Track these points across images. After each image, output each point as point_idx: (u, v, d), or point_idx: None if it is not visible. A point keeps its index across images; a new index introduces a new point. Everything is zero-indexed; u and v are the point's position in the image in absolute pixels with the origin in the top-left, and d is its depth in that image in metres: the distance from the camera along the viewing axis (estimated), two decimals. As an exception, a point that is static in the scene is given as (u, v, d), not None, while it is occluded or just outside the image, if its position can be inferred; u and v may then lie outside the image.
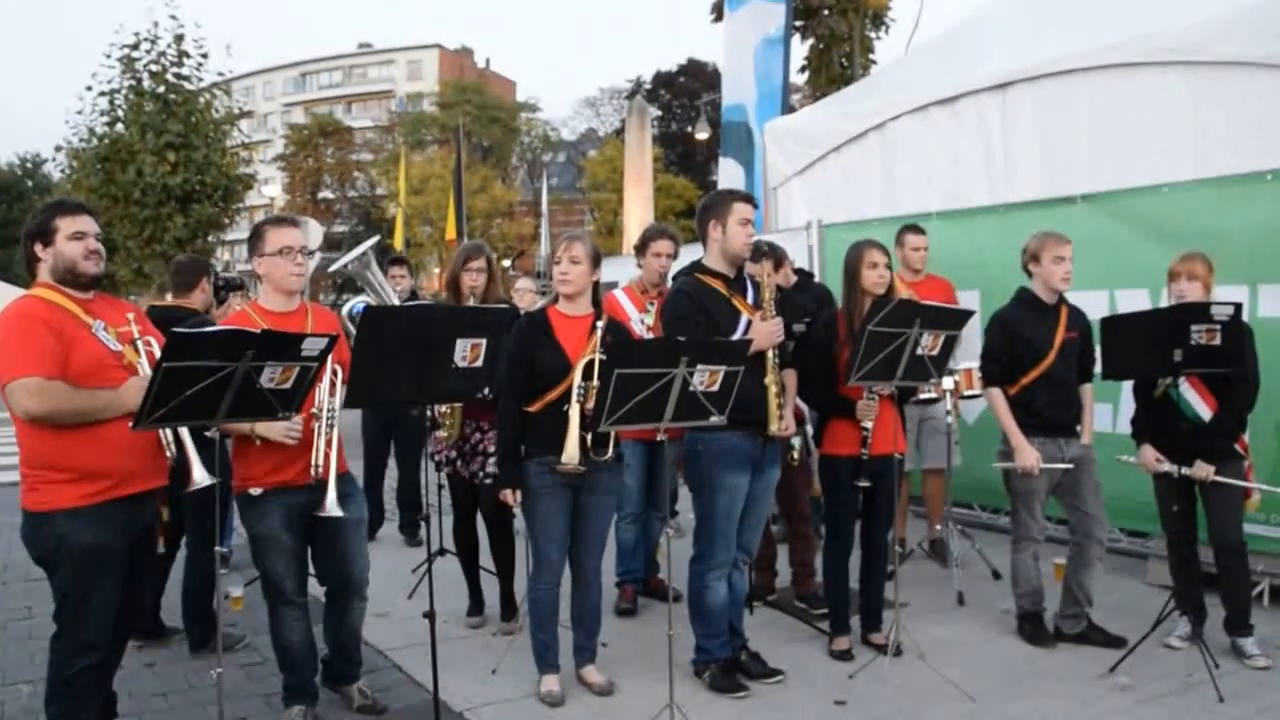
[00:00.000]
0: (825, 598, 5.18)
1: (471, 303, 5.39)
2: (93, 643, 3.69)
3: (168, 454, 3.85)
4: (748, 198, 4.69)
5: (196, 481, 3.74)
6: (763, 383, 4.55)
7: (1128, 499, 6.23)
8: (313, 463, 4.04)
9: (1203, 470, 4.86)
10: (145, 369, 3.72)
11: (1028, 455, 5.01)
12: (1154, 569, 6.15)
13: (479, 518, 5.58)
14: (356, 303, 6.18)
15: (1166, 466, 4.94)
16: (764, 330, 4.52)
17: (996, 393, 5.17)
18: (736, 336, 4.47)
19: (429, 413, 5.38)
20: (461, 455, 5.40)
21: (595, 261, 4.54)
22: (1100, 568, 5.24)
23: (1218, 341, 4.61)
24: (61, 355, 3.54)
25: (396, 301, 5.97)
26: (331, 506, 4.01)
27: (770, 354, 4.58)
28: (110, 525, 3.64)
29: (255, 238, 4.21)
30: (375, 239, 6.30)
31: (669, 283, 5.90)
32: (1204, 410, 4.94)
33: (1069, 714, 4.34)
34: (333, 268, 5.87)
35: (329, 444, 4.05)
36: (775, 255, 5.65)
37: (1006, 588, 5.56)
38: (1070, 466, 5.07)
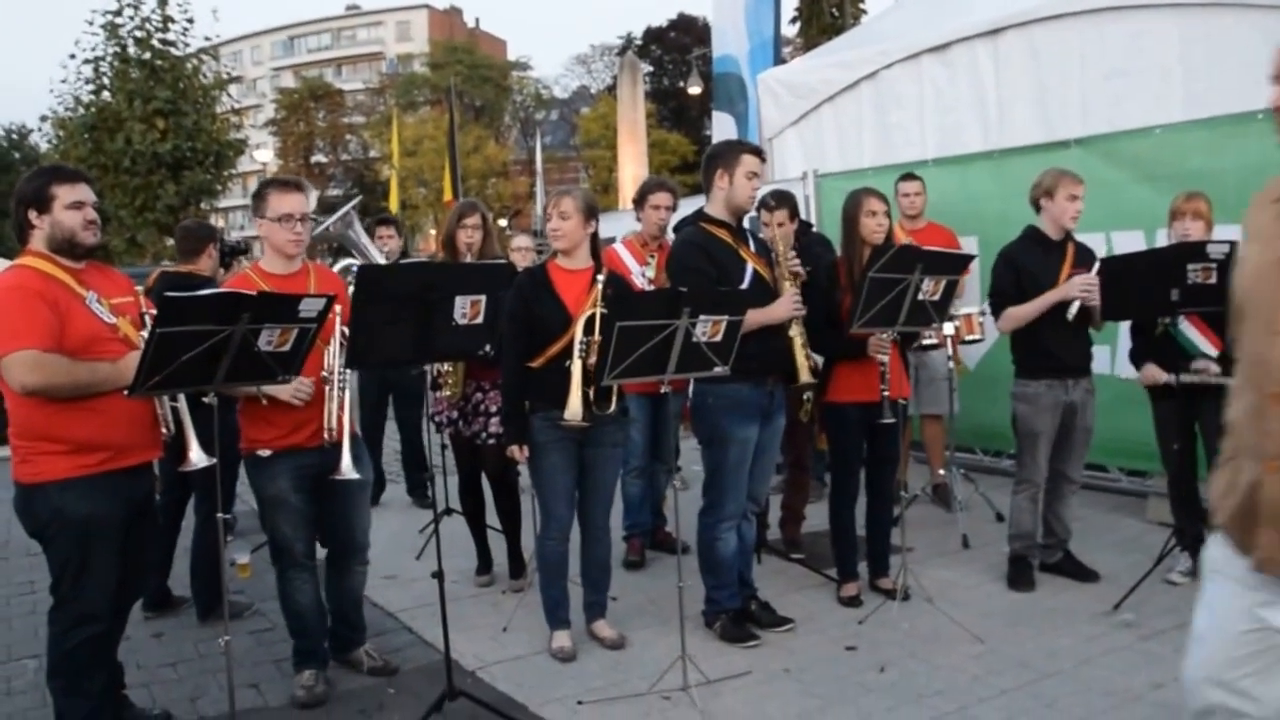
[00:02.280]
0: (832, 545, 5.21)
1: (469, 260, 5.37)
2: (92, 614, 3.65)
3: (164, 430, 3.81)
4: (756, 150, 4.65)
5: (193, 462, 3.74)
6: (780, 334, 4.56)
7: (1127, 439, 6.26)
8: (325, 425, 4.03)
9: (1203, 365, 4.85)
10: None
11: (1046, 298, 4.98)
12: (1153, 507, 6.19)
13: (483, 477, 5.60)
14: (345, 265, 6.16)
15: (1167, 377, 4.94)
16: (784, 305, 4.52)
17: (1009, 310, 5.13)
18: (743, 287, 4.46)
19: (431, 373, 5.40)
20: (463, 415, 5.39)
21: (588, 214, 4.49)
22: (1073, 500, 5.33)
23: (1214, 280, 4.60)
24: (57, 328, 3.48)
25: (382, 261, 5.95)
26: (347, 469, 4.00)
27: None
28: (106, 495, 3.59)
29: (258, 198, 4.15)
30: (357, 200, 6.29)
31: (668, 235, 5.88)
32: (1208, 348, 4.91)
33: (1076, 651, 4.38)
34: (315, 231, 5.85)
35: (341, 406, 4.04)
36: (790, 204, 5.61)
37: (1010, 530, 5.60)
38: (1087, 291, 4.95)
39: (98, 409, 3.55)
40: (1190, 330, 4.95)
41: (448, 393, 5.36)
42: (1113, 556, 5.46)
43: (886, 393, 4.81)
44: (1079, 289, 4.91)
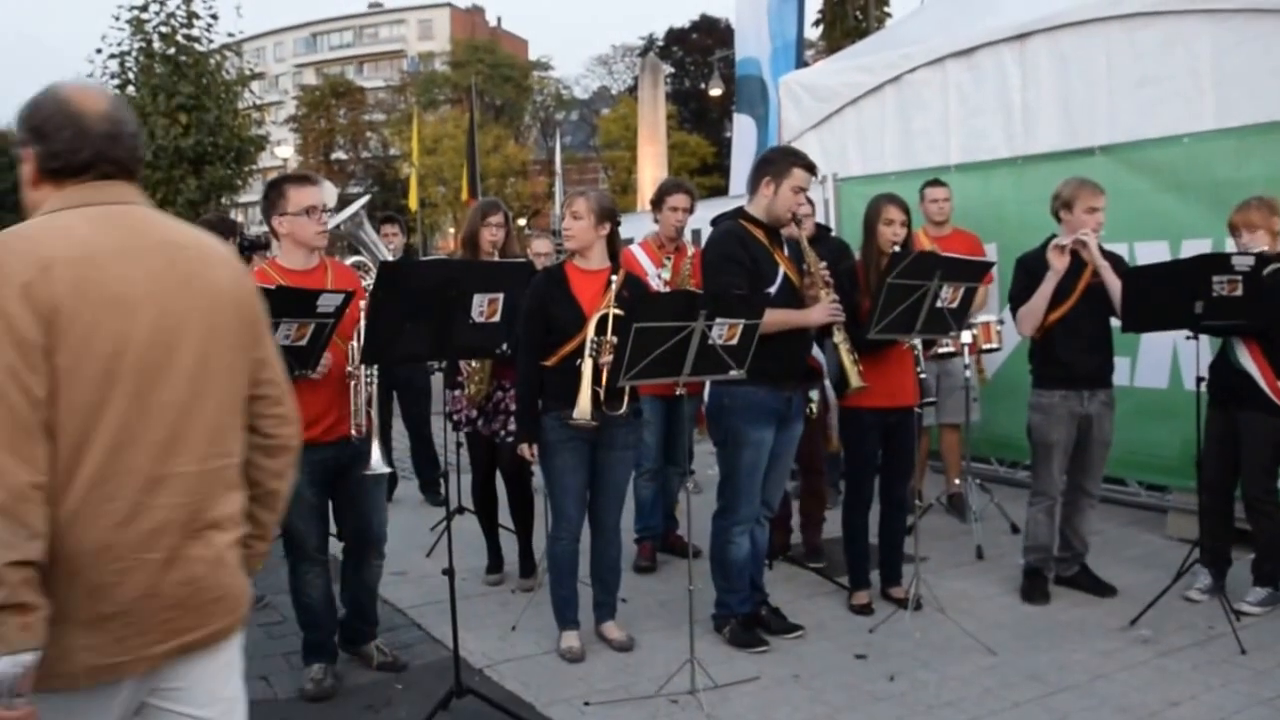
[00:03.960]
0: (845, 552, 5.18)
1: (494, 258, 5.32)
2: None
3: None
4: (809, 165, 4.60)
5: None
6: (801, 339, 4.57)
7: (1146, 452, 6.20)
8: (353, 421, 4.04)
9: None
10: None
11: (1061, 259, 4.91)
12: (1173, 522, 6.13)
13: (498, 476, 5.58)
14: (353, 263, 6.14)
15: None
16: (820, 311, 4.51)
17: (1020, 309, 5.07)
18: (773, 289, 4.45)
19: (453, 370, 5.38)
20: (483, 414, 5.37)
21: (602, 216, 4.47)
22: (1092, 514, 5.27)
23: (1239, 293, 4.54)
24: None
25: (391, 258, 5.94)
26: (377, 464, 4.03)
27: None
28: None
29: (275, 195, 4.12)
30: (366, 198, 6.27)
31: (685, 237, 5.86)
32: (1251, 366, 4.81)
33: (1089, 666, 4.34)
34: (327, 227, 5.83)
35: (368, 402, 4.05)
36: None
37: (1026, 542, 5.55)
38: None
39: None
40: (1242, 350, 4.85)
41: (472, 390, 5.33)
42: (1130, 571, 5.41)
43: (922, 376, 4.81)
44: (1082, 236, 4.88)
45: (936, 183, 6.71)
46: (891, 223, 4.88)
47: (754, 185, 4.63)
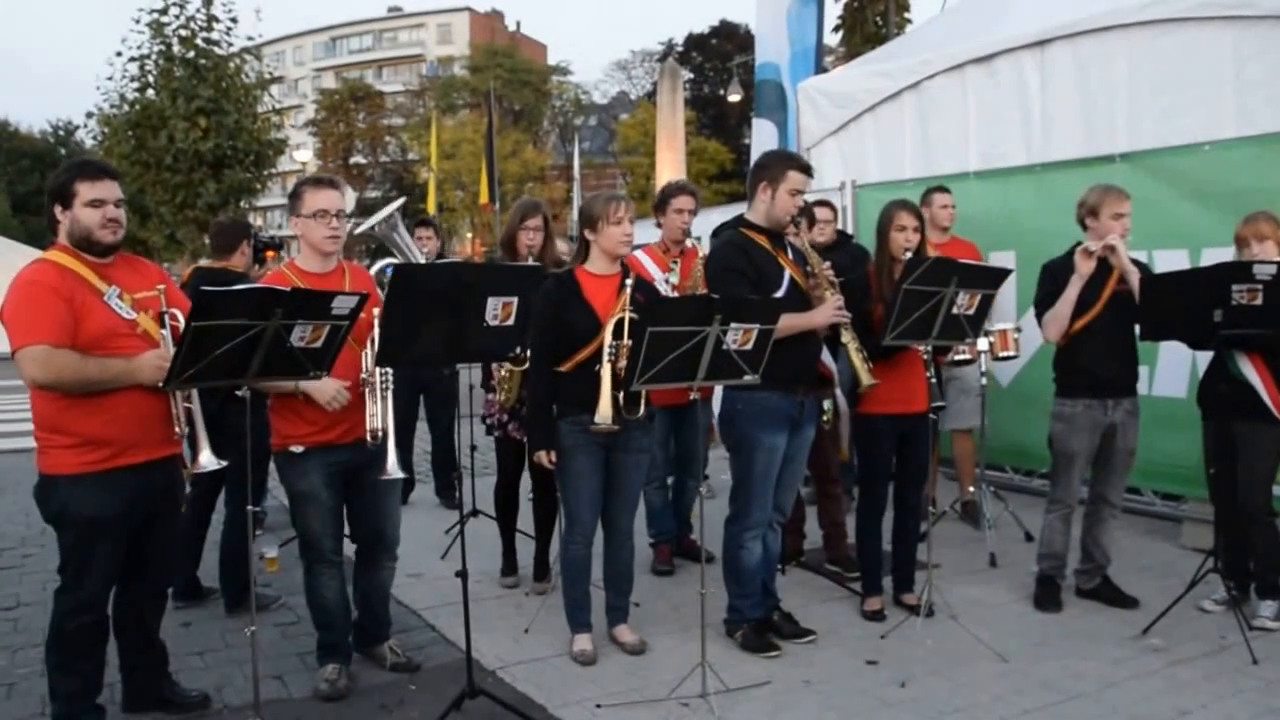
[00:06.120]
0: (858, 558, 5.18)
1: (530, 263, 5.28)
2: (89, 604, 3.72)
3: (177, 429, 3.79)
4: (804, 167, 4.61)
5: (202, 465, 3.75)
6: (812, 342, 4.59)
7: (1161, 461, 6.17)
8: (368, 426, 4.05)
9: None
10: (168, 342, 3.68)
11: (1087, 263, 4.89)
12: (1188, 532, 6.10)
13: (522, 482, 5.59)
14: (384, 265, 6.17)
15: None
16: (825, 311, 4.51)
17: (1045, 314, 5.05)
18: (780, 293, 4.45)
19: (487, 373, 5.36)
20: (515, 418, 5.36)
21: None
22: (1113, 525, 5.22)
23: (1259, 302, 4.50)
24: (71, 323, 3.51)
25: (423, 261, 5.94)
26: (393, 469, 4.04)
27: None
28: (113, 494, 3.63)
29: (294, 197, 4.18)
30: (401, 200, 6.27)
31: (689, 241, 5.83)
32: (1254, 377, 4.77)
33: (1101, 675, 4.32)
34: (359, 229, 5.85)
35: (386, 407, 4.07)
36: (806, 213, 5.58)
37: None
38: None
39: (105, 405, 3.58)
40: (1244, 361, 4.82)
41: (502, 397, 5.33)
42: (1144, 581, 5.38)
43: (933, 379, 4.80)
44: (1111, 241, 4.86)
45: (943, 189, 6.68)
46: (904, 229, 4.88)
47: (751, 191, 4.65)
